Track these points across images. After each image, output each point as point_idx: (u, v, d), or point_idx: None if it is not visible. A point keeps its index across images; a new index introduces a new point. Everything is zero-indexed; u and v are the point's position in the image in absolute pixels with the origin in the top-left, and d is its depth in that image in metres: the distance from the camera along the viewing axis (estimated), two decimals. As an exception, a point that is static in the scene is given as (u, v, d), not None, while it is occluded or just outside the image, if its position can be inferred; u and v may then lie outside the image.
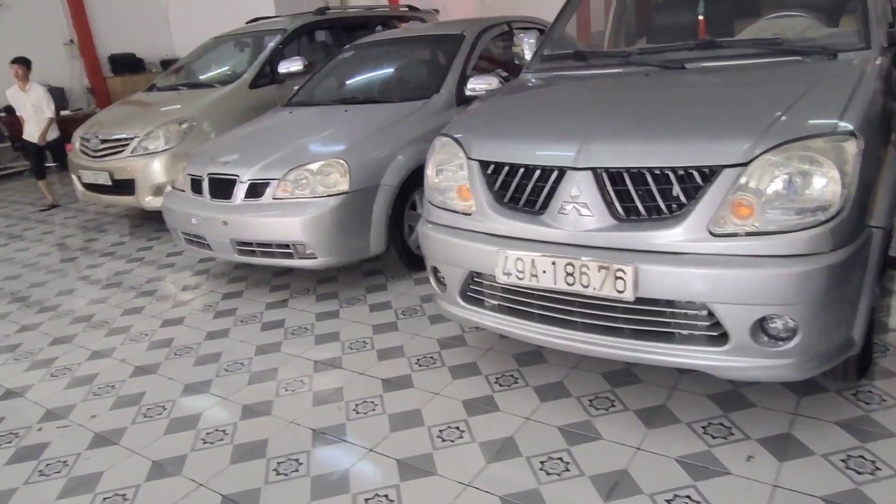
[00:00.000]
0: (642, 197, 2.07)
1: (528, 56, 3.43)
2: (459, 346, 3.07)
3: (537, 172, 2.26)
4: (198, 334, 3.53)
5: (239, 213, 3.68)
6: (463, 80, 4.35)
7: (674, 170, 2.02)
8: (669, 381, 2.56)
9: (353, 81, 4.96)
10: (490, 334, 3.09)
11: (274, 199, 3.62)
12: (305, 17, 6.59)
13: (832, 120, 1.96)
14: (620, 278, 2.02)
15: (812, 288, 1.87)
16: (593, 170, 2.13)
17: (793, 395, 2.38)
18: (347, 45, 5.34)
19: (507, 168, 2.36)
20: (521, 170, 2.31)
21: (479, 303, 2.54)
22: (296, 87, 5.20)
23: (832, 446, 2.11)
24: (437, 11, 8.20)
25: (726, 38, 2.87)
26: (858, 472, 1.99)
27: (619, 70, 2.81)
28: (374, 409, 2.62)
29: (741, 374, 2.06)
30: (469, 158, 2.49)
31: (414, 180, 3.84)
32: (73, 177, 5.99)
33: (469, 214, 2.45)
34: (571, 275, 2.12)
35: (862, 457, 2.06)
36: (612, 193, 2.10)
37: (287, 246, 3.62)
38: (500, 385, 2.69)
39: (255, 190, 3.69)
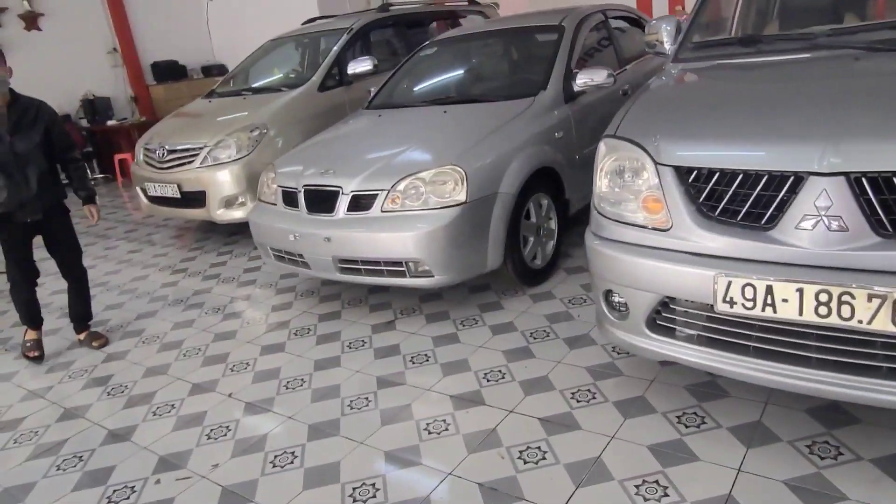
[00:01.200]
0: (920, 207, 1.67)
1: (667, 45, 3.05)
2: (615, 377, 2.69)
3: (763, 179, 1.87)
4: (304, 364, 3.21)
5: (343, 227, 3.34)
6: (569, 75, 3.98)
7: (967, 173, 1.62)
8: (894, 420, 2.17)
9: (444, 80, 4.61)
10: (646, 362, 2.71)
11: (382, 211, 3.28)
12: (370, 15, 6.25)
13: None
14: (903, 309, 1.63)
15: None
16: (847, 175, 1.74)
17: None
18: (428, 42, 4.98)
19: (717, 175, 1.97)
20: (740, 176, 1.92)
21: (669, 332, 2.16)
22: (372, 89, 4.85)
23: None
24: (497, 5, 7.81)
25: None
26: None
27: (811, 55, 2.41)
28: (543, 459, 2.26)
29: None
30: (658, 164, 2.11)
31: (528, 187, 3.48)
32: (138, 189, 5.73)
33: (665, 230, 2.07)
34: (826, 304, 1.73)
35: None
36: (874, 203, 1.71)
37: (399, 263, 3.27)
38: (687, 426, 2.31)
39: (360, 202, 3.35)
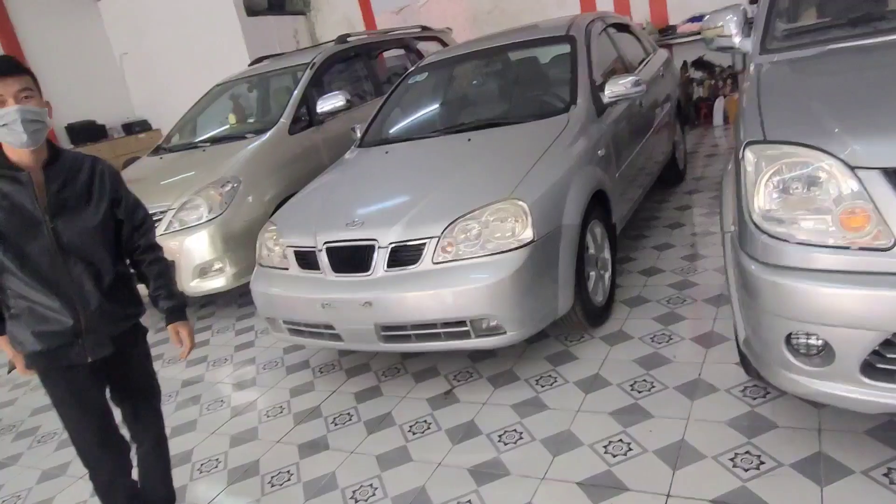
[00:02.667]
0: None
1: (736, 39, 2.69)
2: (772, 430, 2.22)
3: None
4: (363, 463, 2.57)
5: (385, 288, 2.76)
6: (595, 87, 3.58)
7: None
8: None
9: (451, 105, 4.12)
10: (805, 409, 2.26)
11: (434, 263, 2.72)
12: (329, 48, 5.71)
13: None
14: None
15: None
16: None
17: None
18: (416, 66, 4.49)
19: (955, 175, 1.56)
20: None
21: (891, 378, 1.72)
22: (356, 126, 4.28)
23: None
24: (450, 29, 7.46)
25: None
26: None
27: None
28: (749, 559, 1.75)
29: None
30: (855, 167, 1.68)
31: (586, 214, 3.03)
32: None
33: (885, 249, 1.63)
34: None
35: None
36: None
37: (462, 323, 2.71)
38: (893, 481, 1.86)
39: (402, 255, 2.78)
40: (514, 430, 2.56)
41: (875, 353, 1.70)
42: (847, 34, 2.35)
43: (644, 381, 2.69)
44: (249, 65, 6.37)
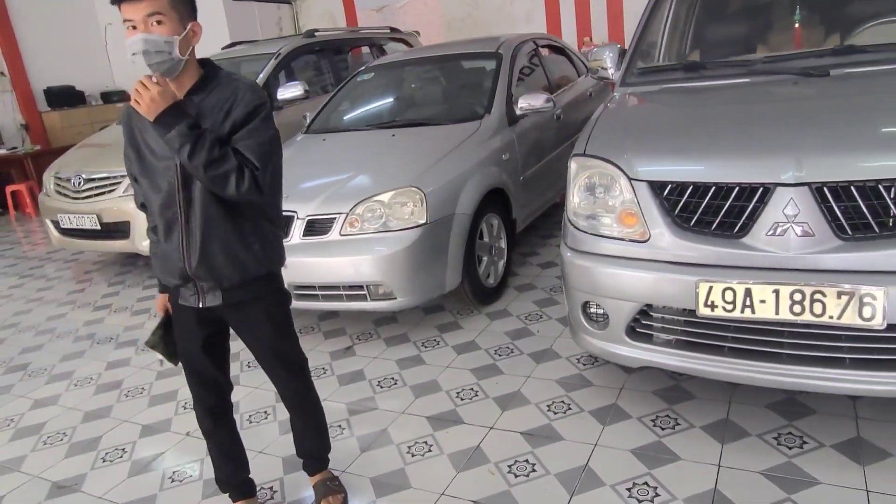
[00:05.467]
0: (874, 212, 1.87)
1: (611, 70, 3.24)
2: (586, 387, 2.78)
3: (735, 191, 2.03)
4: (265, 396, 3.07)
5: (299, 253, 3.26)
6: (510, 99, 4.12)
7: (913, 181, 1.84)
8: (845, 409, 2.37)
9: (388, 104, 4.62)
10: (613, 371, 2.82)
11: (341, 235, 3.24)
12: (297, 41, 6.19)
13: None
14: (868, 304, 1.81)
15: None
16: (810, 185, 1.92)
17: (848, 401, 2.23)
18: (364, 66, 5.00)
19: (690, 188, 2.11)
20: (712, 189, 2.07)
21: (648, 339, 2.27)
22: (307, 114, 4.79)
23: None
24: (418, 33, 7.96)
25: (851, 44, 2.74)
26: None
27: (750, 80, 2.64)
28: (534, 471, 2.29)
29: None
30: (633, 179, 2.23)
31: (480, 208, 3.56)
32: (48, 221, 5.31)
33: (643, 241, 2.18)
34: (800, 303, 1.89)
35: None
36: (835, 210, 1.90)
37: (360, 287, 3.23)
38: (663, 429, 2.42)
39: (317, 227, 3.29)
40: (392, 378, 3.08)
41: (635, 319, 2.25)
42: (681, 77, 2.90)
43: (507, 347, 3.23)
44: (222, 49, 6.81)
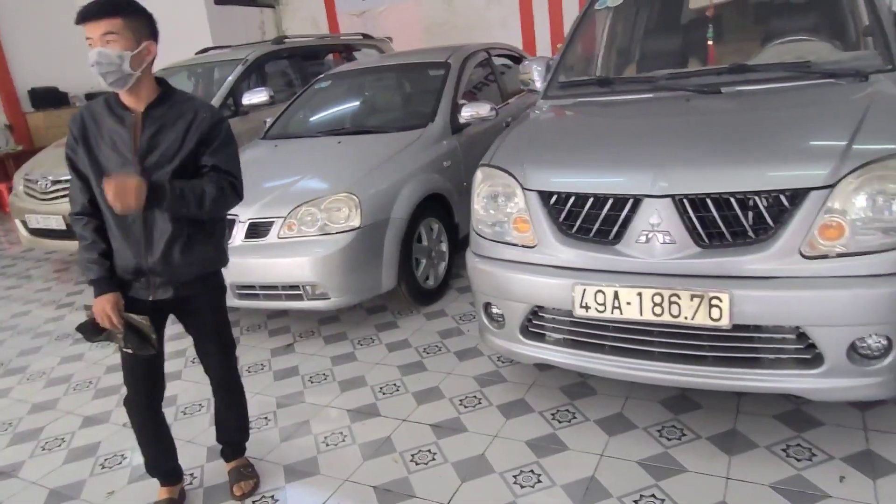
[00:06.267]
0: (727, 222, 2.05)
1: (538, 84, 3.41)
2: (499, 383, 2.95)
3: (609, 202, 2.20)
4: (202, 390, 3.23)
5: (240, 254, 3.42)
6: (455, 108, 4.29)
7: (759, 194, 2.01)
8: (729, 405, 2.54)
9: (339, 112, 4.80)
10: (528, 368, 2.99)
11: (279, 238, 3.41)
12: (264, 47, 6.36)
13: (903, 140, 2.01)
14: (716, 306, 1.98)
15: (907, 306, 1.89)
16: (672, 197, 2.09)
17: (857, 412, 2.40)
18: (323, 74, 5.17)
19: (573, 198, 2.29)
20: (591, 199, 2.25)
21: (540, 338, 2.45)
22: (267, 120, 4.96)
23: (916, 460, 2.14)
24: (390, 39, 8.13)
25: (743, 63, 2.91)
26: None
27: (653, 95, 2.82)
28: (433, 459, 2.46)
29: (835, 396, 2.06)
30: (525, 189, 2.41)
31: (419, 212, 3.73)
32: (17, 221, 5.47)
33: (532, 247, 2.36)
34: (659, 305, 2.06)
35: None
36: (694, 220, 2.07)
37: (296, 287, 3.40)
38: (560, 421, 2.59)
39: (257, 229, 3.46)
40: (323, 374, 3.26)
41: (528, 319, 2.42)
42: (593, 91, 3.08)
43: (436, 346, 3.40)
44: (196, 54, 6.97)
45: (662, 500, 2.10)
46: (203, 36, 9.80)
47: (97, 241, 2.04)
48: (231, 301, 3.53)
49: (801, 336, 2.00)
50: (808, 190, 1.97)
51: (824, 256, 1.95)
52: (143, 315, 2.05)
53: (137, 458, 2.63)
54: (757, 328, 2.04)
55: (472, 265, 2.58)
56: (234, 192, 2.05)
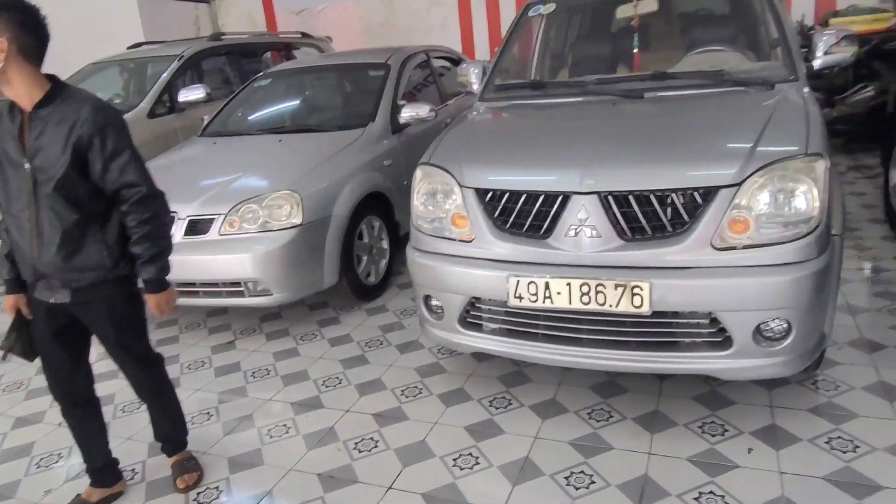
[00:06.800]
0: (647, 217, 2.22)
1: (475, 86, 3.54)
2: (440, 374, 3.06)
3: (541, 198, 2.35)
4: (142, 387, 3.21)
5: (179, 251, 3.39)
6: (395, 108, 4.38)
7: (675, 191, 2.20)
8: (653, 388, 2.74)
9: (279, 110, 4.80)
10: (466, 359, 3.12)
11: (220, 235, 3.41)
12: (201, 43, 6.27)
13: (800, 143, 2.24)
14: (637, 294, 2.15)
15: (803, 291, 2.11)
16: (598, 193, 2.25)
17: (765, 391, 2.64)
18: (263, 72, 5.16)
19: (507, 195, 2.42)
20: (524, 196, 2.38)
21: (478, 328, 2.57)
22: (205, 117, 4.92)
23: (814, 431, 2.37)
24: (330, 39, 8.14)
25: (664, 70, 3.12)
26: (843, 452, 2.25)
27: (583, 99, 2.99)
28: (376, 447, 2.55)
29: (743, 375, 2.27)
30: (463, 186, 2.52)
31: (360, 210, 3.80)
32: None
33: (469, 241, 2.48)
34: (587, 294, 2.22)
35: (840, 437, 2.33)
36: (618, 215, 2.24)
37: (238, 284, 3.42)
38: (497, 408, 2.72)
39: (197, 227, 3.46)
40: (266, 369, 3.29)
41: (466, 310, 2.54)
42: (527, 94, 3.24)
43: (378, 340, 3.48)
44: (127, 48, 6.80)
45: (591, 476, 2.26)
46: (135, 30, 9.53)
47: (6, 241, 2.07)
48: (170, 299, 3.54)
49: (714, 321, 2.19)
50: (718, 188, 2.16)
51: (733, 248, 2.15)
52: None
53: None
54: (674, 314, 2.22)
55: (413, 259, 2.68)
56: (152, 202, 2.04)
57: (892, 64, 4.95)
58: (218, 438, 2.72)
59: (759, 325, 2.15)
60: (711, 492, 2.13)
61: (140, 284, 2.17)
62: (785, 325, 2.16)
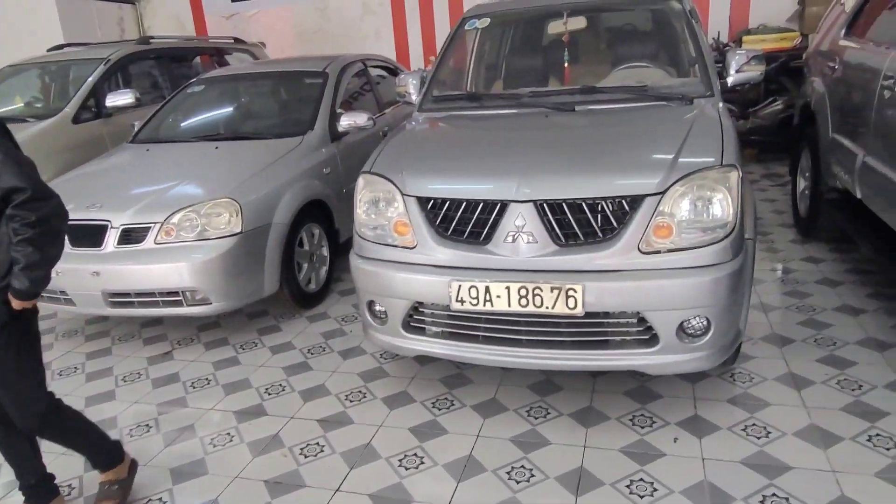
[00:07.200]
0: (580, 224, 2.36)
1: (413, 96, 3.63)
2: (383, 378, 3.12)
3: (480, 206, 2.45)
4: (74, 402, 3.09)
5: (113, 261, 3.34)
6: (333, 116, 4.41)
7: (605, 199, 2.35)
8: (587, 385, 2.89)
9: (215, 116, 4.74)
10: (409, 362, 3.19)
11: (156, 243, 3.35)
12: (129, 47, 6.10)
13: (716, 155, 2.43)
14: (572, 297, 2.28)
15: (720, 291, 2.30)
16: (534, 202, 2.38)
17: (688, 384, 2.83)
18: (196, 78, 5.08)
19: (448, 203, 2.52)
20: (464, 204, 2.48)
21: (421, 332, 2.65)
22: (135, 123, 4.80)
23: (732, 420, 2.57)
24: (263, 45, 8.05)
25: (595, 85, 3.31)
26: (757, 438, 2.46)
27: (517, 110, 3.13)
28: (322, 451, 2.58)
29: (668, 369, 2.44)
30: (405, 195, 2.60)
31: (300, 217, 3.82)
32: None
33: (411, 248, 2.56)
34: (525, 297, 2.34)
35: (755, 424, 2.54)
36: (552, 222, 2.37)
37: (175, 293, 3.37)
38: (439, 409, 2.81)
39: (132, 235, 3.38)
40: (206, 379, 3.26)
41: (409, 315, 2.62)
42: (464, 106, 3.36)
43: (320, 346, 3.51)
44: (48, 51, 6.52)
45: (531, 470, 2.37)
46: (53, 31, 9.13)
47: None
48: (103, 310, 3.46)
49: (641, 320, 2.35)
50: (644, 196, 2.33)
51: (657, 252, 2.31)
52: None
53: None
54: (606, 315, 2.37)
55: (356, 266, 2.73)
56: (40, 204, 1.87)
57: (797, 80, 5.36)
58: (159, 450, 2.68)
59: (682, 322, 2.32)
60: (641, 479, 2.28)
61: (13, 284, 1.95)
62: (705, 322, 2.34)
